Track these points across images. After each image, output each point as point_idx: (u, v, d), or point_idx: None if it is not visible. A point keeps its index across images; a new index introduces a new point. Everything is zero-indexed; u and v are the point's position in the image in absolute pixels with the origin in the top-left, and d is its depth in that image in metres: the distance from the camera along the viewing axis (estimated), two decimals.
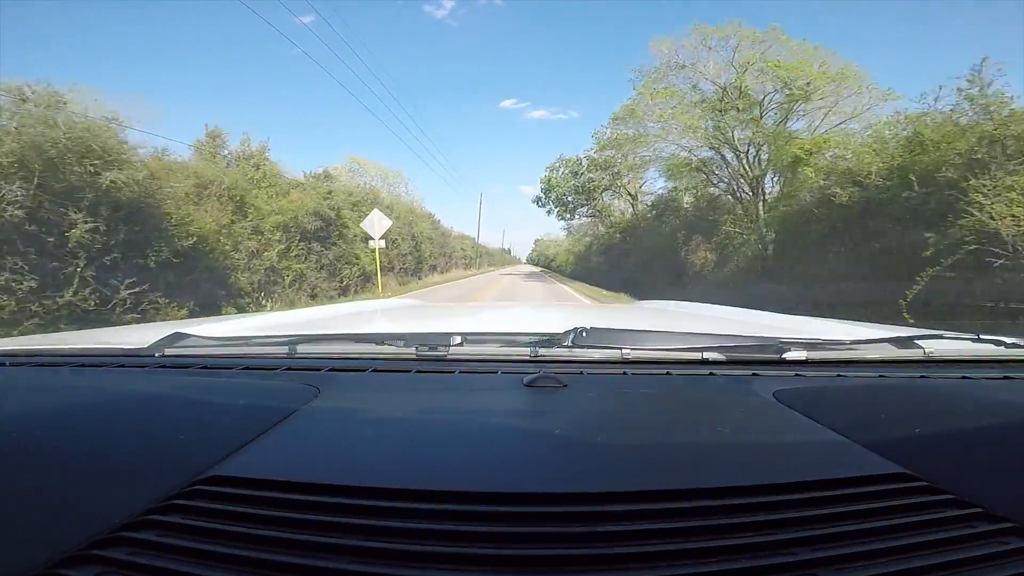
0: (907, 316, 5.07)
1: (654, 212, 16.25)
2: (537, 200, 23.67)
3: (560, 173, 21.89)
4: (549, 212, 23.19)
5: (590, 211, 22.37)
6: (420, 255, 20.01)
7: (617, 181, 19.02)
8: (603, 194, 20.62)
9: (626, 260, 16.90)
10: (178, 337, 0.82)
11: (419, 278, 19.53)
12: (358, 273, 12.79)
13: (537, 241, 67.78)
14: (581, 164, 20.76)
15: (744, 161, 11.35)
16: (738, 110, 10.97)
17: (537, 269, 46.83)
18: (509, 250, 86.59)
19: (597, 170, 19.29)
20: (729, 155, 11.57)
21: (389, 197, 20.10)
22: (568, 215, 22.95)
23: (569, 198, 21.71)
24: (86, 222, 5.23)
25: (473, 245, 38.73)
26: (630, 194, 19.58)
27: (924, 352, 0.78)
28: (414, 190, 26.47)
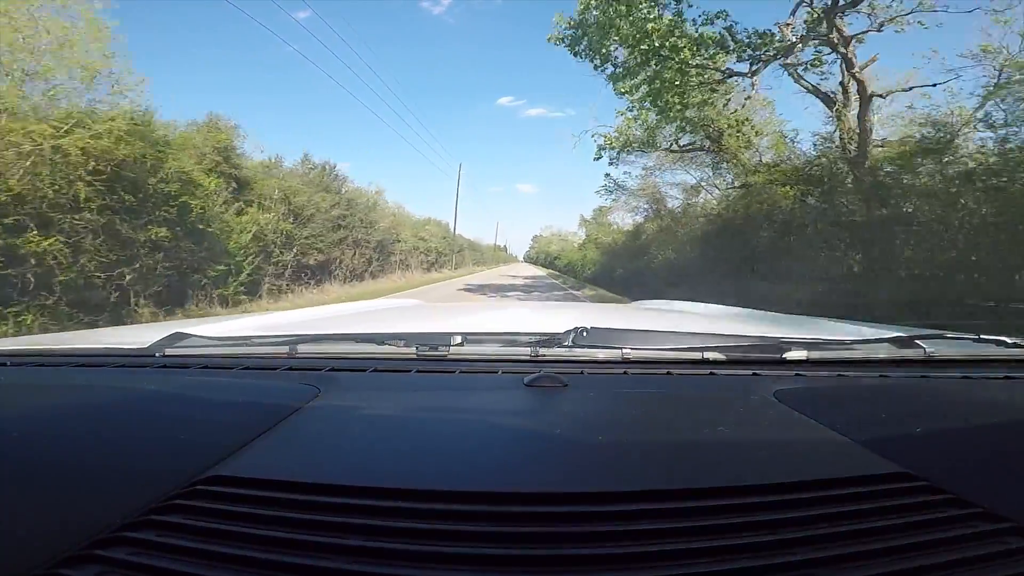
0: None
1: None
2: (567, 39, 8.02)
3: None
4: (616, 79, 7.90)
5: (701, 140, 9.22)
6: (265, 246, 9.11)
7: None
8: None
9: (795, 253, 6.89)
10: (178, 337, 0.82)
11: (253, 297, 8.47)
12: None
13: (536, 237, 63.41)
14: None
15: None
16: None
17: (542, 272, 33.66)
18: (505, 247, 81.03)
19: None
20: None
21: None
22: (661, 111, 8.05)
23: (659, 58, 6.80)
24: None
25: (444, 235, 25.83)
26: (845, 86, 6.79)
27: (925, 352, 0.78)
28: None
